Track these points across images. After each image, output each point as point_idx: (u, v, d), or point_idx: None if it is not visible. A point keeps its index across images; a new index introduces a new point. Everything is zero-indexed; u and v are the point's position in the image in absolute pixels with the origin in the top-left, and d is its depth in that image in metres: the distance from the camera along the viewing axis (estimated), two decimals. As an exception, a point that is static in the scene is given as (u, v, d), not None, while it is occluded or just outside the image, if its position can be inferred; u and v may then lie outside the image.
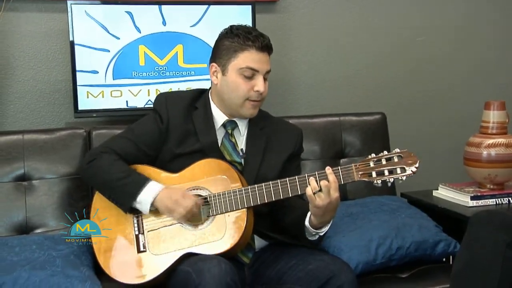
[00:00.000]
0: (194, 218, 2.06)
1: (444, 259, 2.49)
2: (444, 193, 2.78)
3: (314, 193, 1.95)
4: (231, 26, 2.15)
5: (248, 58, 2.09)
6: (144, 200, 2.03)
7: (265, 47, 2.11)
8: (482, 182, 2.73)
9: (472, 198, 2.64)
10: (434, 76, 3.33)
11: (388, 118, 2.89)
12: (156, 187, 2.04)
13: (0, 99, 2.72)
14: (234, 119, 2.19)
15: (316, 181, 1.96)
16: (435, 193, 2.82)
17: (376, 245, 2.28)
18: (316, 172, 1.99)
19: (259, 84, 2.10)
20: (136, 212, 2.08)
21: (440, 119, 3.35)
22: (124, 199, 2.06)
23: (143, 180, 2.05)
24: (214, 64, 2.16)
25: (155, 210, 2.06)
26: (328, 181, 1.94)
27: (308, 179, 1.98)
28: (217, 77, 2.15)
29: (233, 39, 2.10)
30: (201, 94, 2.24)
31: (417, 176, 3.09)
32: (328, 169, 1.97)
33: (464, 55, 3.36)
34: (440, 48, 3.32)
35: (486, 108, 2.74)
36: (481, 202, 2.64)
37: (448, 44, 3.33)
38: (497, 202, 2.67)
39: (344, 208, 2.50)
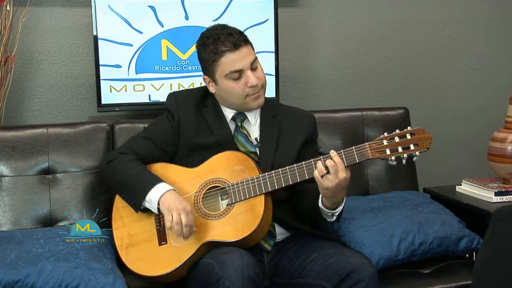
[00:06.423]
0: (213, 208, 2.08)
1: (467, 255, 2.47)
2: (467, 188, 2.75)
3: (321, 176, 1.97)
4: (202, 35, 2.16)
5: (227, 63, 2.09)
6: (153, 198, 2.04)
7: (238, 44, 2.09)
8: (507, 178, 2.70)
9: (496, 194, 2.61)
10: (457, 71, 3.30)
11: (411, 113, 2.86)
12: (164, 187, 2.05)
13: (25, 93, 2.75)
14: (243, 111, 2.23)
15: (322, 164, 1.98)
16: (458, 188, 2.79)
17: (398, 240, 2.28)
18: (321, 156, 2.01)
19: (250, 79, 2.11)
20: (148, 212, 2.10)
21: (464, 114, 3.32)
22: (135, 198, 2.08)
23: (154, 180, 2.07)
24: (205, 76, 2.19)
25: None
26: (334, 162, 1.96)
27: (315, 163, 2.00)
28: (213, 87, 2.19)
29: (206, 50, 2.12)
30: (209, 93, 2.25)
31: (441, 171, 3.06)
32: (333, 152, 1.99)
33: (488, 49, 3.33)
34: (464, 42, 3.29)
35: (511, 103, 2.71)
36: (505, 198, 2.61)
37: (472, 38, 3.30)
38: (522, 198, 2.64)
39: (366, 203, 2.49)
